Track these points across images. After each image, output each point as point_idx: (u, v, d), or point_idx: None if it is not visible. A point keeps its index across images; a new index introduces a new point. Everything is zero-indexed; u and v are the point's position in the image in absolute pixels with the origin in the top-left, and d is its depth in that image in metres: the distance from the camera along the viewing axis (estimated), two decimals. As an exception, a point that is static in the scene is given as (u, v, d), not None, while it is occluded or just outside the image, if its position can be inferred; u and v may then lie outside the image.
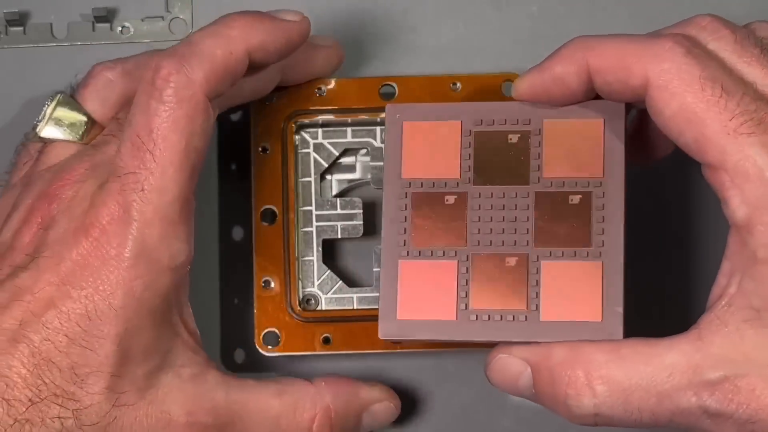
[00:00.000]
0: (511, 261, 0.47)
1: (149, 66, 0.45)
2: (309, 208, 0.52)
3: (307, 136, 0.52)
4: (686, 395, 0.42)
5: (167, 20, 0.54)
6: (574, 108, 0.47)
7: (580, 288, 0.46)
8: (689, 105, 0.42)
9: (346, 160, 0.53)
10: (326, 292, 0.51)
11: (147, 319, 0.44)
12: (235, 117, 0.54)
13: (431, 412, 0.53)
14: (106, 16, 0.54)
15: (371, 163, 0.52)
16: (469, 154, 0.48)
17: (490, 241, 0.47)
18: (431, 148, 0.48)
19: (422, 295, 0.47)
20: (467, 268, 0.47)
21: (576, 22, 0.54)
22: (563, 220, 0.47)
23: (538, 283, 0.46)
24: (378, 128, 0.52)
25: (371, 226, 0.53)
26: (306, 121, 0.52)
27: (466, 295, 0.47)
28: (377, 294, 0.51)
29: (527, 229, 0.47)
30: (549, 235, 0.47)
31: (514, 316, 0.46)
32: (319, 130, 0.52)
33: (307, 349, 0.50)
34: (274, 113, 0.51)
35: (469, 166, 0.48)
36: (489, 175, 0.47)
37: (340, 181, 0.53)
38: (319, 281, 0.52)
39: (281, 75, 0.50)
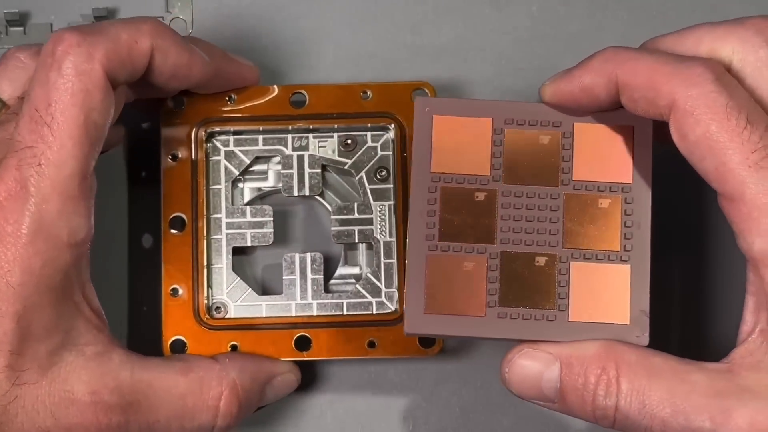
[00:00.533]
0: (541, 260, 0.47)
1: (53, 37, 0.44)
2: (219, 215, 0.52)
3: (218, 144, 0.52)
4: (701, 416, 0.42)
5: (167, 20, 0.54)
6: (606, 112, 0.47)
7: (608, 290, 0.47)
8: (712, 134, 0.42)
9: (258, 167, 0.53)
10: (235, 300, 0.51)
11: (47, 297, 0.44)
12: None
13: (431, 412, 0.53)
14: (107, 16, 0.54)
15: (282, 171, 0.52)
16: (500, 152, 0.48)
17: (520, 240, 0.47)
18: (461, 143, 0.48)
19: (450, 290, 0.47)
20: (496, 266, 0.47)
21: (576, 22, 0.55)
22: (592, 222, 0.47)
23: (566, 283, 0.47)
24: (289, 136, 0.52)
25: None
26: (217, 128, 0.52)
27: (495, 293, 0.47)
28: (287, 302, 0.51)
29: (557, 230, 0.47)
30: (578, 236, 0.47)
31: (542, 315, 0.47)
32: (231, 138, 0.52)
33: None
34: (184, 121, 0.51)
35: (500, 164, 0.48)
36: (519, 174, 0.48)
37: (252, 189, 0.53)
38: (229, 289, 0.51)
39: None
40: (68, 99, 0.44)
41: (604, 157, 0.48)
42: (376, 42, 0.55)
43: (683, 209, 0.54)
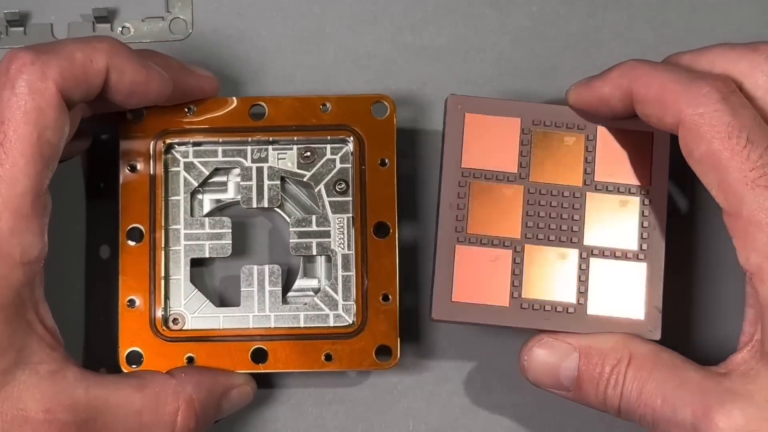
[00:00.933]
0: (562, 255, 0.50)
1: (7, 55, 0.45)
2: (178, 227, 0.52)
3: (177, 155, 0.52)
4: (685, 409, 0.45)
5: (167, 20, 0.55)
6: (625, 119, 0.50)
7: (624, 286, 0.50)
8: (715, 151, 0.44)
9: (218, 179, 0.53)
10: (193, 312, 0.51)
11: None
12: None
13: (431, 412, 0.53)
14: (107, 17, 0.54)
15: (242, 183, 0.52)
16: (527, 151, 0.50)
17: (544, 235, 0.50)
18: (491, 140, 0.50)
19: (476, 280, 0.49)
20: (521, 258, 0.50)
21: (576, 22, 0.55)
22: (612, 221, 0.50)
23: (586, 278, 0.50)
24: (249, 148, 0.52)
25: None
26: (176, 140, 0.51)
27: (519, 284, 0.49)
28: (244, 314, 0.51)
29: (579, 227, 0.50)
30: (598, 234, 0.50)
31: (562, 308, 0.49)
32: (190, 149, 0.52)
33: (170, 368, 0.50)
34: (143, 132, 0.51)
35: (527, 162, 0.50)
36: (544, 172, 0.50)
37: (212, 201, 0.53)
38: (186, 301, 0.51)
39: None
40: (21, 117, 0.44)
41: (625, 161, 0.50)
42: (376, 42, 0.55)
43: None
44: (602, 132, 0.50)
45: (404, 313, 0.52)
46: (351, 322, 0.51)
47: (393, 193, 0.51)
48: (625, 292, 0.50)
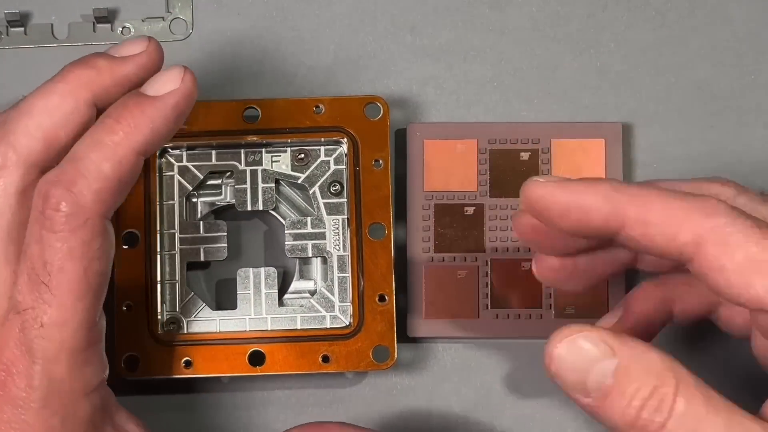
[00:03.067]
0: (526, 265, 0.52)
1: (38, 193, 0.42)
2: (173, 231, 0.52)
3: (171, 159, 0.52)
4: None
5: (168, 20, 0.55)
6: (579, 128, 0.53)
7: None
8: (755, 254, 0.40)
9: (213, 182, 0.53)
10: (189, 316, 0.51)
11: None
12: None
13: (431, 412, 0.53)
14: (107, 17, 0.54)
15: (236, 186, 0.52)
16: (486, 170, 0.53)
17: (507, 248, 0.52)
18: (450, 163, 0.53)
19: (446, 296, 0.52)
20: (487, 272, 0.52)
21: (576, 22, 0.55)
22: None
23: None
24: (242, 151, 0.52)
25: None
26: (170, 144, 0.51)
27: (487, 296, 0.52)
28: (241, 317, 0.51)
29: None
30: None
31: (530, 314, 0.52)
32: (184, 153, 0.52)
33: (168, 372, 0.50)
34: (136, 136, 0.51)
35: (486, 180, 0.53)
36: (503, 188, 0.52)
37: (207, 204, 0.53)
38: (183, 304, 0.51)
39: None
40: (64, 255, 0.42)
41: (579, 168, 0.52)
42: (376, 42, 0.55)
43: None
44: (556, 144, 0.52)
45: (403, 313, 0.52)
46: (348, 324, 0.51)
47: (388, 193, 0.51)
48: (589, 292, 0.51)
